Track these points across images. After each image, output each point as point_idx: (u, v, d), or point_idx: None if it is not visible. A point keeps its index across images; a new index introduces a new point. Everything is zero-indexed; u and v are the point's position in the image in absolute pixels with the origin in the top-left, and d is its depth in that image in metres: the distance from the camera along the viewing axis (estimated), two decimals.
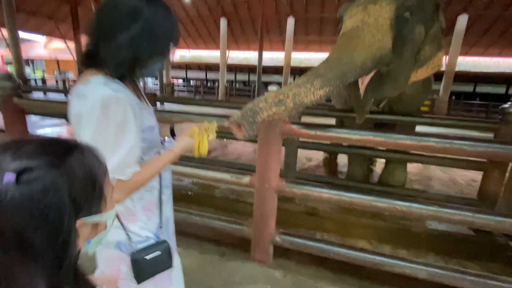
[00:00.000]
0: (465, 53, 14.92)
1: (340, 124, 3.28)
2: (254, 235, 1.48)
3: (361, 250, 1.36)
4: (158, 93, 13.55)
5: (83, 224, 0.39)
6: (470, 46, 14.75)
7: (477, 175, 2.40)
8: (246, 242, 1.56)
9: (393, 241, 2.04)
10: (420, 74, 1.89)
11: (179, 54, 20.92)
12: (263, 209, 1.43)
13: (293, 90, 1.11)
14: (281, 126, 1.31)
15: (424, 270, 1.24)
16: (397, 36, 1.54)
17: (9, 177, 0.32)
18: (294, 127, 1.29)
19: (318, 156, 4.14)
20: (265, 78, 20.73)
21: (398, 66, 1.62)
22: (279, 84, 15.70)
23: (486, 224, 1.13)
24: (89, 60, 0.65)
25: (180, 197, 2.54)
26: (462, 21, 11.34)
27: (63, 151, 0.38)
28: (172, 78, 18.25)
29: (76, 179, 0.37)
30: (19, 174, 0.32)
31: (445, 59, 12.43)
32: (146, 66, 0.68)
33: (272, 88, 1.33)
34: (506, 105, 2.02)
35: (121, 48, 0.62)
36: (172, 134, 0.95)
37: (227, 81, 17.74)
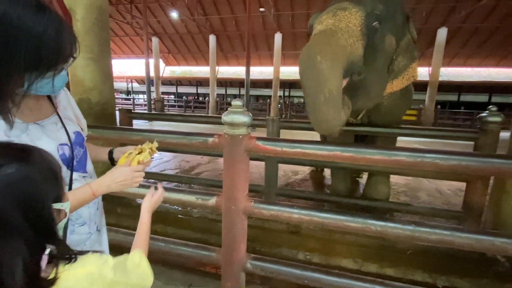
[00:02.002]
0: (447, 64, 15.51)
1: (324, 139, 3.22)
2: (224, 262, 1.35)
3: (339, 275, 1.25)
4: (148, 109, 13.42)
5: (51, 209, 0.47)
6: (452, 57, 15.34)
7: (464, 185, 2.35)
8: (218, 269, 1.43)
9: (379, 259, 1.94)
10: (396, 85, 1.86)
11: (170, 70, 21.06)
12: (231, 232, 1.32)
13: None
14: (246, 143, 1.22)
15: None
16: (368, 45, 1.51)
17: None
18: (260, 143, 1.21)
19: (304, 169, 4.06)
20: (255, 91, 20.98)
21: (370, 76, 1.58)
22: (269, 97, 15.81)
23: (466, 244, 1.04)
24: None
25: (156, 218, 2.39)
26: (442, 33, 11.81)
27: (25, 150, 0.46)
28: (163, 93, 18.21)
29: (43, 170, 0.45)
30: None
31: (428, 70, 12.85)
32: (16, 83, 0.55)
33: (235, 103, 1.25)
34: (484, 114, 1.99)
35: None
36: (111, 159, 0.85)
37: (218, 95, 17.79)
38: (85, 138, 0.78)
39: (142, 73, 18.35)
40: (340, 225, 1.15)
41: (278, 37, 13.58)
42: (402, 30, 1.75)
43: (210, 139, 1.27)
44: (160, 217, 2.44)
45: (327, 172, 3.89)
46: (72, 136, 0.70)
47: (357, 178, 3.57)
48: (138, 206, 0.76)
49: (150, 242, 1.46)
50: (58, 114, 0.70)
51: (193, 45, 18.03)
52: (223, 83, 22.00)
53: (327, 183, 3.56)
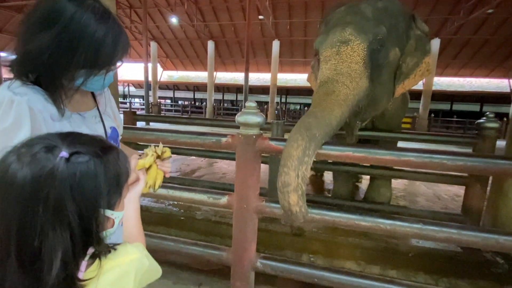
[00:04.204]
0: (440, 73, 15.89)
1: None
2: (234, 261, 1.37)
3: (347, 273, 1.27)
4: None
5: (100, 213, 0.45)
6: (444, 67, 15.74)
7: (460, 190, 2.42)
8: (226, 269, 1.44)
9: (381, 261, 1.96)
10: (408, 84, 1.85)
11: (167, 75, 21.09)
12: (242, 232, 1.34)
13: (300, 174, 1.10)
14: (259, 143, 1.26)
15: None
16: (373, 68, 1.56)
17: (63, 154, 0.40)
18: (273, 143, 1.24)
19: None
20: (252, 97, 21.15)
21: (377, 92, 1.63)
22: (266, 103, 15.91)
23: (472, 242, 1.08)
24: (11, 66, 0.60)
25: (159, 220, 2.39)
26: (435, 44, 12.13)
27: (105, 148, 0.46)
28: (159, 98, 18.20)
29: (109, 173, 0.45)
30: (71, 154, 0.41)
31: (422, 79, 13.20)
32: (72, 78, 0.61)
33: (249, 104, 1.29)
34: (482, 120, 2.07)
35: (29, 55, 0.57)
36: None
37: (215, 101, 17.86)
38: (120, 135, 0.81)
39: (139, 77, 18.33)
40: (350, 224, 1.19)
41: (276, 44, 13.78)
42: (407, 34, 1.78)
43: (223, 139, 1.30)
44: (162, 219, 2.43)
45: (326, 176, 3.94)
46: (108, 131, 0.75)
47: (356, 183, 3.62)
48: None
49: (159, 242, 1.48)
50: (98, 109, 0.74)
51: (191, 51, 18.13)
52: (220, 88, 22.11)
53: (327, 187, 3.60)
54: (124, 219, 0.64)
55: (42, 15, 0.57)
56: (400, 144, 2.65)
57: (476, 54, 14.39)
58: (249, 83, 12.04)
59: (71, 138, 0.44)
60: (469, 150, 2.30)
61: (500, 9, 10.06)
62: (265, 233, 2.22)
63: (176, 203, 2.69)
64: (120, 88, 24.84)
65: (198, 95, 23.90)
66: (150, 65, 13.76)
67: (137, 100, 24.56)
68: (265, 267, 1.35)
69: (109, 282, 0.45)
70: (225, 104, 22.46)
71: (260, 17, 12.35)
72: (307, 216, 1.15)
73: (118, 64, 0.66)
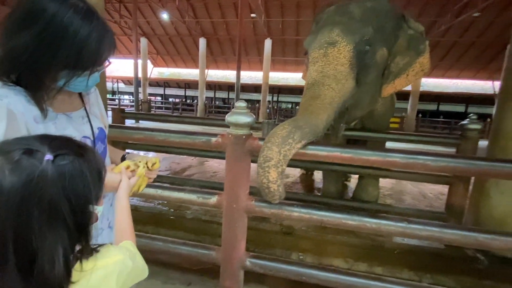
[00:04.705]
0: (427, 75, 16.25)
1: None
2: (223, 260, 1.37)
3: (334, 271, 1.30)
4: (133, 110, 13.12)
5: None
6: (432, 68, 16.10)
7: (445, 189, 2.49)
8: (216, 268, 1.45)
9: (368, 258, 2.01)
10: (399, 83, 1.82)
11: (157, 71, 20.77)
12: (232, 231, 1.34)
13: (282, 152, 1.12)
14: (249, 143, 1.26)
15: None
16: (359, 68, 1.57)
17: (48, 157, 0.41)
18: (262, 143, 1.25)
19: (295, 172, 4.14)
20: (244, 96, 21.08)
21: (364, 92, 1.65)
22: (257, 101, 15.86)
23: (453, 239, 1.12)
24: None
25: (148, 219, 2.37)
26: None
27: (82, 147, 0.48)
28: (150, 95, 17.91)
29: (92, 169, 0.46)
30: (55, 156, 0.42)
31: None
32: (54, 78, 0.59)
33: (239, 104, 1.29)
34: (465, 122, 2.14)
35: (10, 54, 0.56)
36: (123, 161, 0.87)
37: (207, 98, 17.71)
38: (107, 136, 0.80)
39: (128, 73, 17.99)
40: (338, 223, 1.21)
41: (268, 43, 13.77)
42: (395, 34, 1.78)
43: (213, 139, 1.30)
44: (152, 218, 2.41)
45: (316, 175, 3.99)
46: (96, 131, 0.73)
47: (345, 182, 3.68)
48: None
49: (148, 242, 1.46)
50: (85, 109, 0.73)
51: (182, 47, 17.90)
52: (212, 86, 21.95)
53: (317, 186, 3.64)
54: (116, 217, 0.66)
55: (23, 14, 0.55)
56: (388, 144, 2.71)
57: (463, 56, 14.82)
58: (241, 81, 11.99)
59: (49, 141, 0.44)
60: (453, 151, 2.38)
61: (485, 12, 10.37)
62: (255, 231, 2.24)
63: (165, 202, 2.67)
64: (109, 85, 24.29)
65: (189, 93, 23.65)
66: (140, 61, 13.50)
67: (126, 97, 24.12)
68: (254, 266, 1.36)
69: (91, 284, 0.45)
70: (217, 102, 22.34)
71: (253, 15, 12.30)
72: (283, 196, 1.19)
73: (106, 64, 0.65)
